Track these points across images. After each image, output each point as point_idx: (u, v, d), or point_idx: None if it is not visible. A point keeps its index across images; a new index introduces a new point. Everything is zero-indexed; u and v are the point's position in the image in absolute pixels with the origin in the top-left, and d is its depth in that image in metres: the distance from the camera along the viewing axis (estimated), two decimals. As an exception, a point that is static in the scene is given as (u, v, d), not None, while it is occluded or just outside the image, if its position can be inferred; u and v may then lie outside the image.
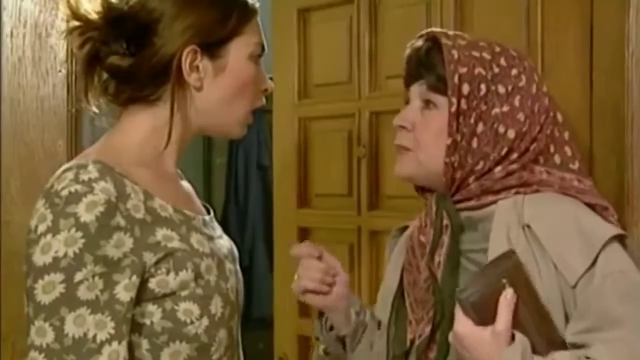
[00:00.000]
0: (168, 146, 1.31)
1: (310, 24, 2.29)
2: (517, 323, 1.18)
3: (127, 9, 1.29)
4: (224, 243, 1.39)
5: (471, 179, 1.33)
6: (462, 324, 1.18)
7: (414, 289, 1.37)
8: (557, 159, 1.35)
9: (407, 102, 1.42)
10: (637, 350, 1.16)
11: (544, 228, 1.25)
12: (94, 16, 1.28)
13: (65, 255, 1.15)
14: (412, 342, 1.36)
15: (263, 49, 1.39)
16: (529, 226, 1.26)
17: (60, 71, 2.07)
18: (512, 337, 1.16)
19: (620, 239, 1.26)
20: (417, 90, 1.38)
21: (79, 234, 1.16)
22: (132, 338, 1.21)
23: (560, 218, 1.26)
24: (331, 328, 1.49)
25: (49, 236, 1.16)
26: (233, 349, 1.34)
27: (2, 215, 2.10)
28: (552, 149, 1.35)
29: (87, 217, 1.16)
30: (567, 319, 1.22)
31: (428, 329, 1.31)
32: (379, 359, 1.43)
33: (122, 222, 1.19)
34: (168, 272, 1.22)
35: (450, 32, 1.39)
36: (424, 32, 1.41)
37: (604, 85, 1.62)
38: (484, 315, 1.17)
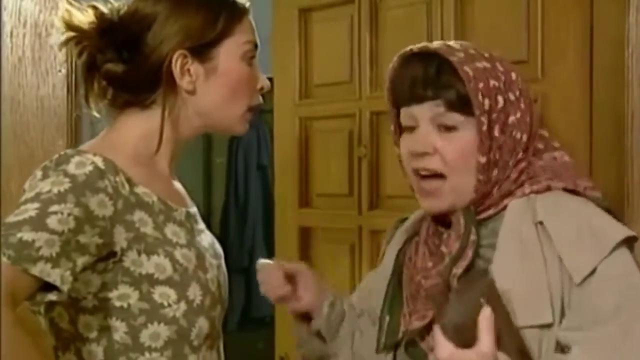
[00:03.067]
0: (162, 147, 1.34)
1: (311, 23, 2.29)
2: (496, 341, 1.17)
3: (118, 19, 1.32)
4: (205, 237, 1.41)
5: (495, 189, 1.33)
6: (445, 348, 1.15)
7: (411, 285, 1.37)
8: (540, 145, 1.35)
9: (399, 126, 1.36)
10: (621, 353, 1.16)
11: (557, 226, 1.25)
12: (87, 27, 1.31)
13: (49, 191, 1.17)
14: (404, 334, 1.36)
15: (256, 47, 1.39)
16: (541, 223, 1.26)
17: (60, 71, 2.07)
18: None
19: (628, 241, 1.26)
20: (428, 112, 1.30)
21: (67, 180, 1.19)
22: (110, 322, 1.23)
23: (573, 217, 1.26)
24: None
25: (37, 184, 1.19)
26: (214, 340, 1.35)
27: (2, 215, 2.10)
28: (536, 138, 1.35)
29: (76, 171, 1.20)
30: (563, 316, 1.21)
31: (418, 324, 1.30)
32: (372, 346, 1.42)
33: (109, 189, 1.22)
34: (140, 254, 1.24)
35: (442, 45, 1.33)
36: (408, 49, 1.34)
37: (604, 85, 1.62)
38: (465, 336, 1.16)
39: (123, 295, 1.23)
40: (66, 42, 1.33)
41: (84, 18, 1.32)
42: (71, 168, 1.21)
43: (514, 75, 1.34)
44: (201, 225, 1.42)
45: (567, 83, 1.67)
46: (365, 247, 2.12)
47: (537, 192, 1.30)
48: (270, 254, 3.23)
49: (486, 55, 1.34)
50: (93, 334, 1.24)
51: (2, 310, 1.05)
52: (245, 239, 4.71)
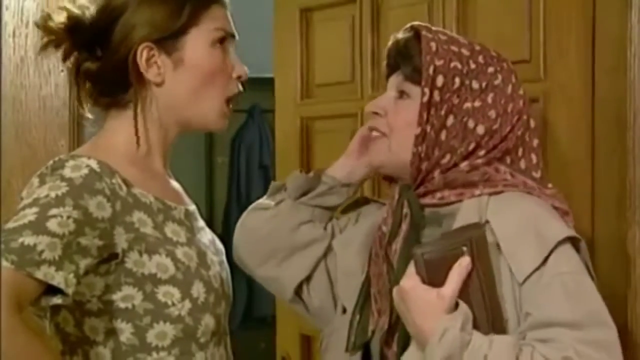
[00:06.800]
0: (152, 147, 1.35)
1: (312, 23, 2.29)
2: (465, 294, 1.16)
3: (87, 16, 1.33)
4: (206, 235, 1.42)
5: (436, 172, 1.33)
6: (410, 279, 1.17)
7: (379, 281, 1.37)
8: (522, 163, 1.36)
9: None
10: (576, 349, 1.15)
11: (502, 225, 1.25)
12: (60, 28, 1.32)
13: (47, 196, 1.17)
14: (373, 332, 1.36)
15: (227, 34, 1.38)
16: (487, 221, 1.26)
17: (62, 71, 2.06)
18: (456, 306, 1.16)
19: (573, 241, 1.26)
20: (394, 80, 1.39)
21: (64, 184, 1.19)
22: (116, 324, 1.24)
23: (519, 216, 1.26)
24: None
25: (35, 191, 1.19)
26: (220, 336, 1.36)
27: (4, 215, 2.10)
28: (520, 152, 1.36)
29: (72, 175, 1.21)
30: (519, 315, 1.22)
31: (386, 320, 1.31)
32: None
33: (107, 191, 1.22)
34: (141, 254, 1.24)
35: (434, 27, 1.39)
36: (407, 25, 1.41)
37: (606, 85, 1.62)
38: (435, 276, 1.15)
39: (127, 296, 1.24)
40: (45, 47, 1.34)
41: (57, 19, 1.32)
42: (67, 172, 1.21)
43: (491, 69, 1.35)
44: (201, 222, 1.43)
45: (569, 82, 1.67)
46: (367, 246, 2.12)
47: (490, 194, 1.31)
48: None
49: (477, 47, 1.37)
50: (100, 337, 1.24)
51: (5, 315, 1.05)
52: (247, 239, 4.72)
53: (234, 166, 4.86)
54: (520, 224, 1.25)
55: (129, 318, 1.24)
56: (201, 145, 4.89)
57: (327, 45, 2.25)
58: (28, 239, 1.10)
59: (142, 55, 1.31)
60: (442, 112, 1.32)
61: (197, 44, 1.34)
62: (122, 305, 1.24)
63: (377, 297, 1.37)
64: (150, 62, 1.32)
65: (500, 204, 1.29)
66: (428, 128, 1.32)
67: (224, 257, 1.43)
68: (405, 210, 1.33)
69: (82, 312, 1.24)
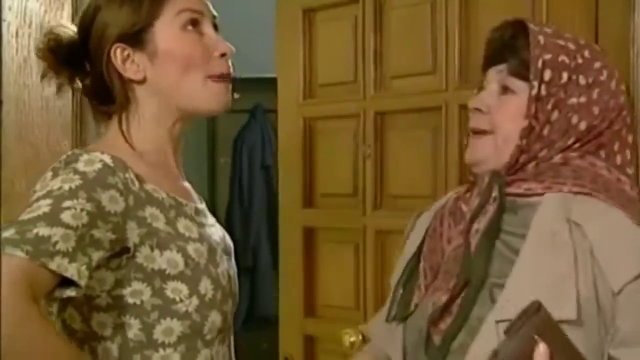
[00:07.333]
0: (160, 144, 1.37)
1: (315, 23, 2.29)
2: None
3: (67, 37, 1.37)
4: (216, 231, 1.42)
5: (531, 164, 1.32)
6: None
7: (432, 256, 1.35)
8: (618, 159, 1.33)
9: (480, 88, 1.40)
10: None
11: (596, 230, 1.22)
12: (45, 53, 1.36)
13: (60, 188, 1.18)
14: (416, 306, 1.34)
15: (196, 13, 1.37)
16: (577, 224, 1.24)
17: (65, 71, 2.07)
18: None
19: None
20: (496, 74, 1.36)
21: (77, 177, 1.20)
22: (124, 320, 1.24)
23: (613, 224, 1.24)
24: None
25: (48, 184, 1.20)
26: (225, 333, 1.36)
27: (7, 215, 2.11)
28: (616, 147, 1.34)
29: (85, 168, 1.22)
30: (604, 326, 1.19)
31: (445, 298, 1.27)
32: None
33: (120, 185, 1.23)
34: (152, 249, 1.25)
35: (536, 21, 1.38)
36: (509, 18, 1.39)
37: (609, 85, 1.62)
38: None
39: (136, 291, 1.24)
40: (45, 75, 1.38)
41: (44, 45, 1.36)
42: (80, 166, 1.23)
43: (597, 65, 1.33)
44: (211, 219, 1.43)
45: (572, 83, 1.67)
46: (369, 247, 2.12)
47: (576, 193, 1.28)
48: (274, 254, 3.23)
49: (581, 42, 1.35)
50: (107, 332, 1.25)
51: (20, 303, 1.05)
52: (250, 239, 4.71)
53: (236, 166, 4.86)
54: (616, 231, 1.23)
55: (137, 314, 1.25)
56: (203, 145, 4.89)
57: (330, 45, 2.25)
58: (42, 230, 1.11)
59: (116, 56, 1.33)
60: (549, 107, 1.30)
61: (166, 31, 1.34)
62: (130, 300, 1.24)
63: (426, 272, 1.35)
64: (126, 61, 1.34)
65: (588, 206, 1.26)
66: (534, 122, 1.30)
67: (232, 256, 1.44)
68: (495, 194, 1.31)
69: (90, 308, 1.24)
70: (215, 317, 1.30)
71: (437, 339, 1.27)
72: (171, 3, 1.35)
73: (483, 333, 1.21)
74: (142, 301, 1.24)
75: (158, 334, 1.25)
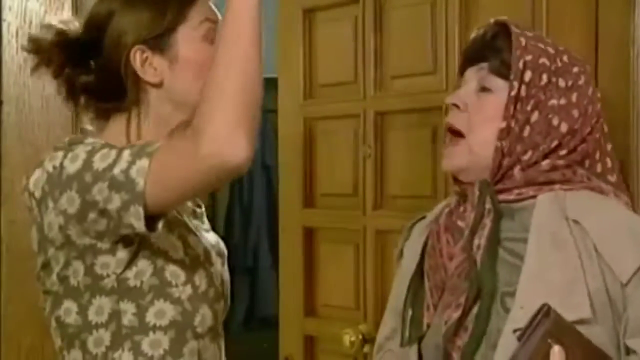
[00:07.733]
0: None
1: (315, 24, 2.29)
2: None
3: (74, 30, 1.37)
4: (211, 237, 1.44)
5: (516, 169, 1.32)
6: None
7: (435, 274, 1.35)
8: (599, 167, 1.35)
9: (457, 87, 1.41)
10: None
11: (595, 225, 1.23)
12: (50, 46, 1.35)
13: (92, 150, 1.26)
14: (428, 326, 1.34)
15: (215, 23, 1.38)
16: (575, 221, 1.24)
17: (65, 71, 2.07)
18: None
19: None
20: (475, 73, 1.37)
21: (89, 147, 1.27)
22: (121, 305, 1.27)
23: (610, 216, 1.25)
24: None
25: (64, 163, 1.26)
26: (215, 334, 1.38)
27: (7, 214, 2.11)
28: (597, 156, 1.35)
29: (94, 144, 1.28)
30: (618, 319, 1.20)
31: (456, 315, 1.27)
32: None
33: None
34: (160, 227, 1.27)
35: (518, 24, 1.39)
36: (492, 20, 1.41)
37: (610, 86, 1.62)
38: None
39: (139, 272, 1.27)
40: (36, 68, 1.37)
41: (45, 37, 1.35)
42: (89, 141, 1.29)
43: (575, 69, 1.35)
44: (207, 225, 1.45)
45: (572, 83, 1.67)
46: (369, 247, 2.12)
47: (566, 189, 1.29)
48: (274, 254, 3.23)
49: (560, 47, 1.37)
50: (103, 319, 1.27)
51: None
52: (250, 239, 4.71)
53: (236, 166, 4.86)
54: (614, 223, 1.24)
55: (134, 297, 1.27)
56: (204, 145, 4.89)
57: (330, 46, 2.25)
58: (97, 164, 1.23)
59: (135, 58, 1.33)
60: (528, 108, 1.31)
61: (188, 39, 1.35)
62: (132, 283, 1.27)
63: (432, 291, 1.35)
64: (145, 64, 1.34)
65: (582, 201, 1.28)
66: (513, 123, 1.31)
67: (225, 261, 1.45)
68: (489, 205, 1.31)
69: (92, 293, 1.26)
70: (206, 312, 1.32)
71: (456, 356, 1.27)
72: (195, 11, 1.36)
73: (502, 344, 1.21)
74: (141, 282, 1.27)
75: (150, 316, 1.28)
